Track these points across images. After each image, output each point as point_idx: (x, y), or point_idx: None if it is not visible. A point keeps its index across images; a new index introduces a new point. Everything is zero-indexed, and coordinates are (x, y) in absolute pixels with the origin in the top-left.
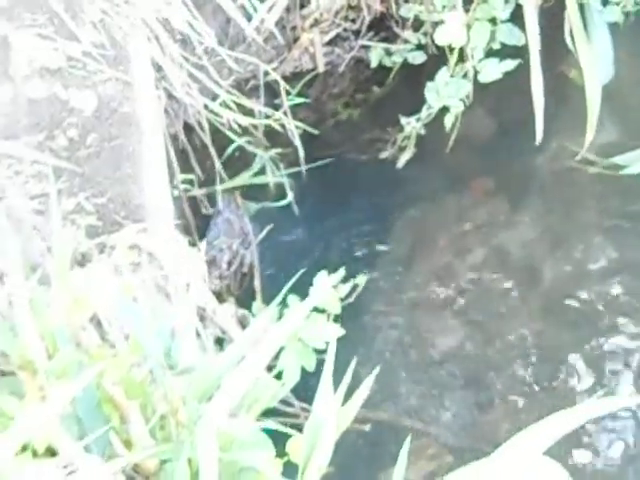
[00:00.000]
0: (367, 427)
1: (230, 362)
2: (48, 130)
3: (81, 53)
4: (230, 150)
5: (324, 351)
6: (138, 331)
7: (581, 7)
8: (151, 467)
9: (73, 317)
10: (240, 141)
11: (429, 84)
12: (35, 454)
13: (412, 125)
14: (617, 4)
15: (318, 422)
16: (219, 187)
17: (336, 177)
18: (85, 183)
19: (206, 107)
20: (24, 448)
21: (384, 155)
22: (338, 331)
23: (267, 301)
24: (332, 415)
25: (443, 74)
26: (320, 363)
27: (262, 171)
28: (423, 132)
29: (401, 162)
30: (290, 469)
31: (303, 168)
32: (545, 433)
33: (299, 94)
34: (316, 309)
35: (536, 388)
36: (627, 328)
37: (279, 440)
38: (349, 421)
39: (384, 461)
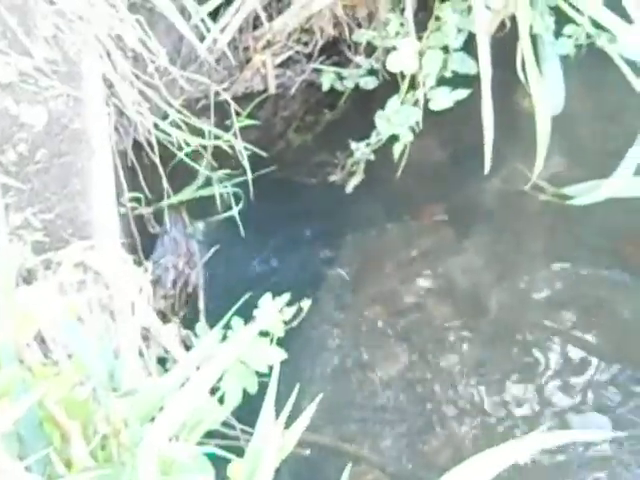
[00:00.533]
0: (307, 451)
1: (173, 384)
2: None
3: (33, 68)
4: (177, 167)
5: (266, 374)
6: (82, 351)
7: (533, 38)
8: None
9: (17, 335)
10: (186, 158)
11: (379, 112)
12: None
13: (361, 151)
14: (569, 37)
15: (259, 446)
16: (166, 203)
17: (284, 199)
18: (33, 198)
19: (156, 126)
20: None
21: (333, 178)
22: (281, 354)
23: (211, 321)
24: (273, 440)
25: (394, 102)
26: (262, 386)
27: (208, 185)
28: (372, 158)
29: (350, 187)
30: None
31: (250, 182)
32: (488, 464)
33: (249, 115)
34: (260, 332)
35: (477, 417)
36: (571, 359)
37: (220, 463)
38: (291, 447)
39: None
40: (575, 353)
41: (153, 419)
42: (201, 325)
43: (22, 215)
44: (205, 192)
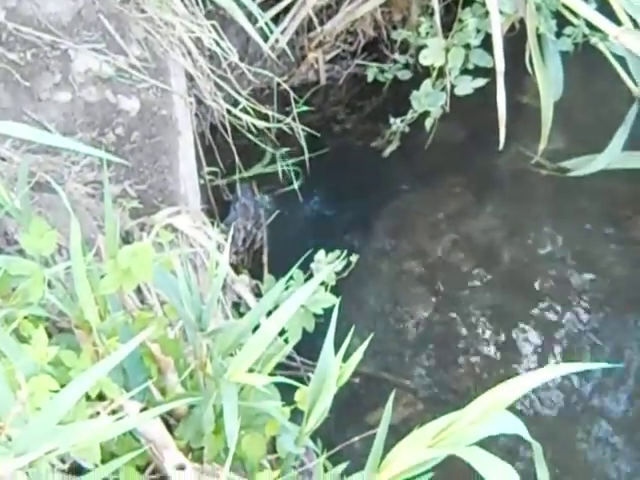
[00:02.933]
0: (356, 380)
1: (249, 325)
2: (100, 128)
3: (128, 65)
4: (246, 146)
5: (321, 316)
6: (174, 299)
7: (539, 37)
8: (182, 412)
9: (121, 286)
10: (254, 139)
11: (414, 92)
12: (88, 399)
13: (397, 124)
14: (568, 36)
15: (322, 376)
16: (237, 176)
17: (335, 171)
18: (130, 172)
19: (229, 112)
20: None
21: (374, 144)
22: (334, 300)
23: (274, 272)
24: (334, 371)
25: (426, 86)
26: (317, 325)
27: (273, 162)
28: (407, 130)
29: (387, 152)
30: (297, 415)
31: (307, 159)
32: (508, 392)
33: (305, 103)
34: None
35: (493, 350)
36: (571, 302)
37: (285, 390)
38: (347, 377)
39: (368, 407)
40: (573, 297)
41: (233, 354)
42: (268, 276)
43: (121, 186)
44: (271, 169)
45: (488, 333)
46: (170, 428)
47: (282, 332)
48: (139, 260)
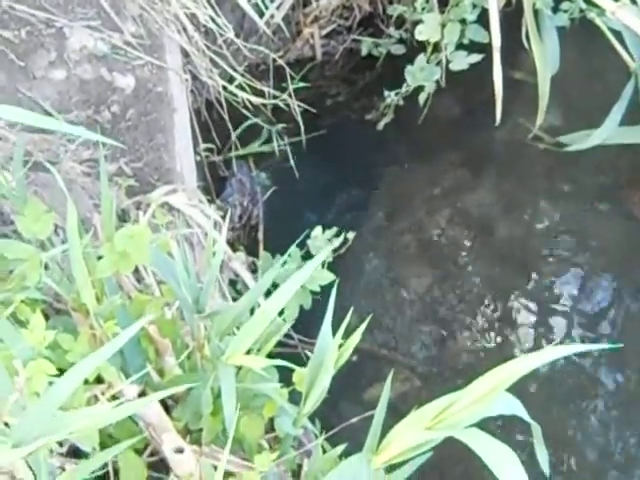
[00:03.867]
0: (354, 357)
1: (246, 306)
2: (95, 106)
3: (123, 42)
4: (242, 122)
5: (318, 293)
6: (172, 281)
7: (535, 13)
8: (180, 393)
9: (118, 269)
10: (250, 115)
11: (408, 67)
12: (86, 382)
13: (392, 97)
14: (565, 12)
15: (320, 357)
16: (234, 154)
17: (330, 146)
18: (125, 151)
19: (225, 88)
20: None
21: (368, 117)
22: (331, 277)
23: (270, 249)
24: (332, 352)
25: (420, 60)
26: (313, 301)
27: (269, 141)
28: (402, 104)
29: (381, 125)
30: (295, 395)
31: (303, 139)
32: (508, 373)
33: (301, 78)
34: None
35: (491, 326)
36: (567, 277)
37: (282, 370)
38: (345, 358)
39: (365, 384)
40: (570, 273)
41: (230, 334)
42: (264, 254)
43: (117, 164)
44: (267, 148)
45: (485, 309)
46: (168, 409)
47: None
48: (136, 242)
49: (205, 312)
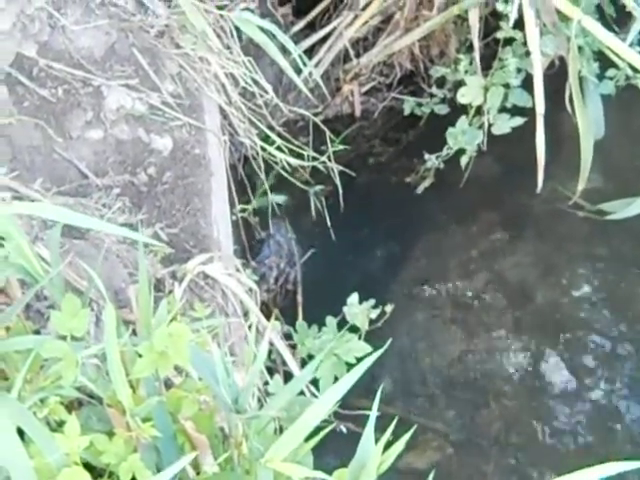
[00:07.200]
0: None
1: (284, 406)
2: (132, 167)
3: (161, 102)
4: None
5: (354, 365)
6: (211, 380)
7: (580, 79)
8: None
9: (158, 368)
10: (288, 176)
11: (450, 129)
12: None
13: (432, 160)
14: (611, 79)
15: (361, 461)
16: (270, 213)
17: (368, 206)
18: (161, 215)
19: (263, 149)
20: (110, 475)
21: (408, 180)
22: (367, 348)
23: (305, 312)
24: (374, 460)
25: (462, 122)
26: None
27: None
28: (442, 166)
29: (420, 188)
30: None
31: (340, 195)
32: None
33: (339, 136)
34: (350, 328)
35: (525, 392)
36: (604, 347)
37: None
38: (389, 463)
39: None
40: (606, 340)
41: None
42: (299, 322)
43: (152, 230)
44: (303, 206)
45: (521, 376)
46: None
47: (314, 380)
48: (175, 342)
49: (244, 413)
